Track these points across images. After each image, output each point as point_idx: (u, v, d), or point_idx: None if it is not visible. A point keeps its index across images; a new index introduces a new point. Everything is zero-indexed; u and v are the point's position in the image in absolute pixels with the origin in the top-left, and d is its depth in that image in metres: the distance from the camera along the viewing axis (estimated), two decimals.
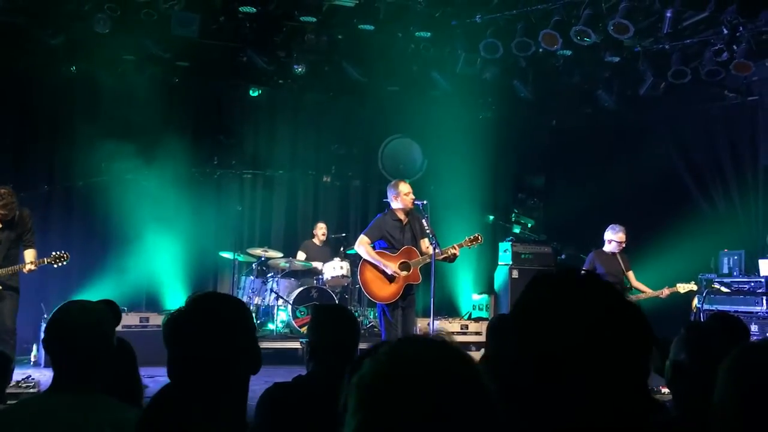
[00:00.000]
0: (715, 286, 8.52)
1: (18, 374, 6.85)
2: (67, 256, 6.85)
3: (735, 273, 8.86)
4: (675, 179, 10.40)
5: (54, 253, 6.82)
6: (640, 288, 8.21)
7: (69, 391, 2.25)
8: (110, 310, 2.41)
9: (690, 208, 10.03)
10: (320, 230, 10.38)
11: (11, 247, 6.69)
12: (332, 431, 1.60)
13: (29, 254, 6.78)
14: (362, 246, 6.85)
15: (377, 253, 6.81)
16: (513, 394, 1.21)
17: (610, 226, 8.26)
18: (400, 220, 6.88)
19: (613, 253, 8.19)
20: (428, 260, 6.73)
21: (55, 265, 6.84)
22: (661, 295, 8.04)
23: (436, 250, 6.66)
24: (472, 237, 7.06)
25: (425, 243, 6.85)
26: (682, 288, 8.03)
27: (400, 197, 6.81)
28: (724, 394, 1.67)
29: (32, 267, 6.63)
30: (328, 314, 3.06)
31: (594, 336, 1.23)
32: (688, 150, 10.40)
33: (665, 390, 4.27)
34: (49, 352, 2.35)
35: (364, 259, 6.85)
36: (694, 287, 8.08)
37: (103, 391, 2.28)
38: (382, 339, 6.75)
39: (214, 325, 1.98)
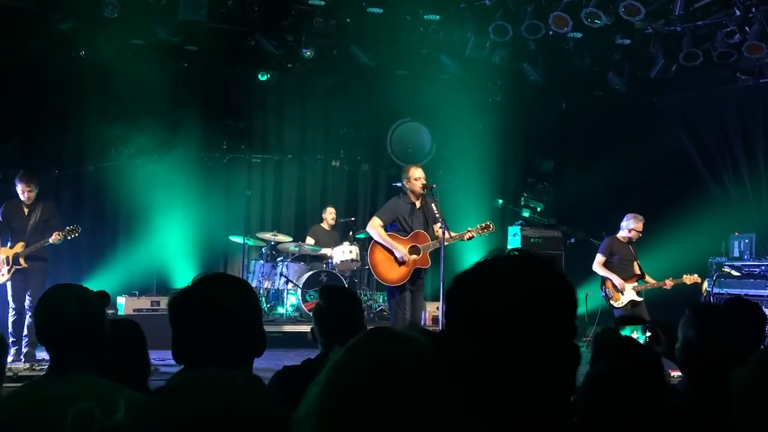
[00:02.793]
0: (726, 269, 8.47)
1: None
2: (78, 228, 7.45)
3: (746, 256, 8.82)
4: (686, 162, 10.32)
5: (67, 228, 7.39)
6: (644, 278, 8.12)
7: (59, 374, 2.25)
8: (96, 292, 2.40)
9: (701, 192, 9.97)
10: (329, 215, 10.36)
11: (36, 231, 7.35)
12: None
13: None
14: (374, 228, 6.87)
15: (388, 235, 6.83)
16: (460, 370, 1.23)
17: (633, 215, 8.01)
18: (413, 204, 6.90)
19: (629, 241, 8.09)
20: (438, 246, 6.73)
21: (69, 237, 7.40)
22: (664, 286, 7.95)
23: (446, 235, 6.66)
24: (483, 225, 7.06)
25: (437, 227, 6.85)
26: (689, 279, 7.92)
27: (411, 181, 6.83)
28: (759, 394, 1.66)
29: (58, 236, 7.25)
30: (329, 297, 3.06)
31: (530, 302, 1.26)
32: (699, 133, 10.32)
33: (675, 374, 4.26)
34: (42, 339, 2.33)
35: (375, 241, 6.87)
36: (699, 279, 8.01)
37: (101, 372, 2.26)
38: (391, 322, 6.81)
39: (218, 306, 1.97)
